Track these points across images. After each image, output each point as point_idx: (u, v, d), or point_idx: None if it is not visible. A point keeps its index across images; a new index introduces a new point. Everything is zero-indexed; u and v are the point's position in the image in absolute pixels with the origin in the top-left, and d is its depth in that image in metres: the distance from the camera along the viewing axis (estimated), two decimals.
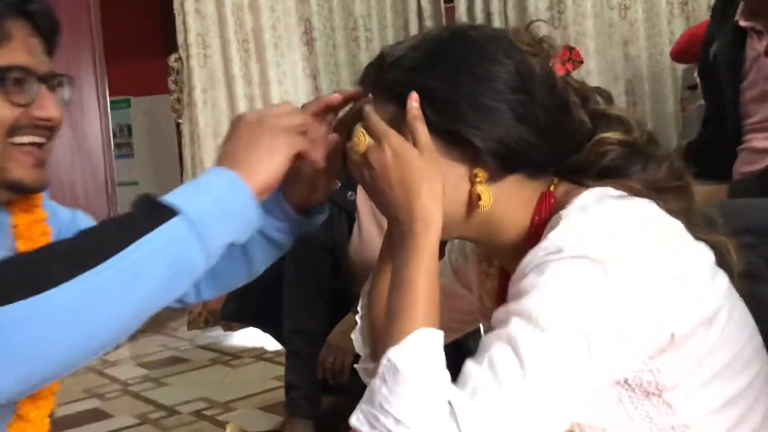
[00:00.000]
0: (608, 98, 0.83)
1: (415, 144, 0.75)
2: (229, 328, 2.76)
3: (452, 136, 0.75)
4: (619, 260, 0.66)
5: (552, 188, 0.79)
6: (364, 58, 3.00)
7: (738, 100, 1.41)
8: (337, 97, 0.87)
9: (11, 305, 0.63)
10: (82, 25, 3.47)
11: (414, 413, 0.64)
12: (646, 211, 0.72)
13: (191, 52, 2.95)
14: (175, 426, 2.00)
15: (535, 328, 0.65)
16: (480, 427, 0.63)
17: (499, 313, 0.69)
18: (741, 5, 1.40)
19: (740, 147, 1.41)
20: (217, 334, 2.97)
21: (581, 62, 0.82)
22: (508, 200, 0.78)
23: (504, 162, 0.76)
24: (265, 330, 2.06)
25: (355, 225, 1.84)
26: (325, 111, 0.86)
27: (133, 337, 2.81)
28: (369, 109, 0.78)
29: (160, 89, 4.49)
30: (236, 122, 0.80)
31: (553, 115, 0.77)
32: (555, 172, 0.80)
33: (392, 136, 0.75)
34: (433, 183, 0.74)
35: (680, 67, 2.75)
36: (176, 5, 2.98)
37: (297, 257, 1.72)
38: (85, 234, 0.70)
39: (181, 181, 3.17)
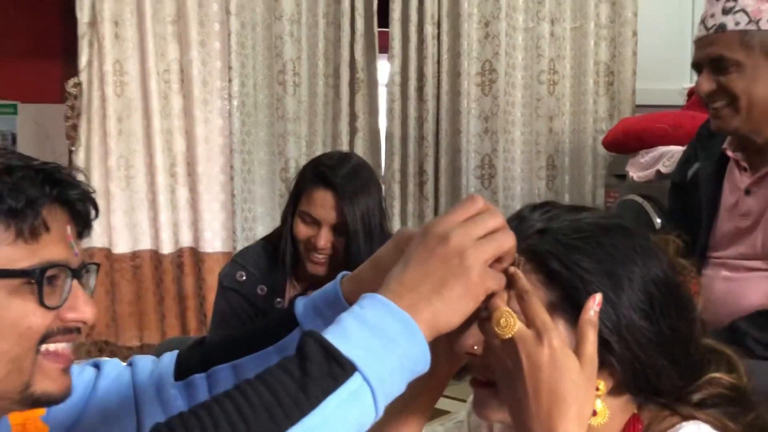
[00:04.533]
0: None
1: (578, 351, 0.65)
2: None
3: None
4: None
5: (637, 410, 0.73)
6: (290, 104, 2.86)
7: (710, 231, 1.41)
8: None
9: None
10: None
11: None
12: None
13: (106, 78, 2.70)
14: None
15: None
16: None
17: None
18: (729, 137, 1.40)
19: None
20: None
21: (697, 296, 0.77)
22: (608, 420, 0.71)
23: (631, 379, 0.69)
24: None
25: None
26: None
27: None
28: (527, 288, 0.67)
29: (51, 97, 4.15)
30: (427, 241, 0.65)
31: (687, 344, 0.72)
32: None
33: (556, 334, 0.65)
34: (585, 405, 0.65)
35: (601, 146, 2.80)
36: (82, 27, 2.72)
37: None
38: (256, 392, 0.59)
39: None
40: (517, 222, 0.74)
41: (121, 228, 2.80)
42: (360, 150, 2.86)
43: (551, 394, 0.64)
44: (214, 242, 2.82)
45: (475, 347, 0.72)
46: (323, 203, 1.63)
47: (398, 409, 0.84)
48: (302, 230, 1.66)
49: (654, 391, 0.71)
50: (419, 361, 0.64)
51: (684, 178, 1.52)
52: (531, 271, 0.70)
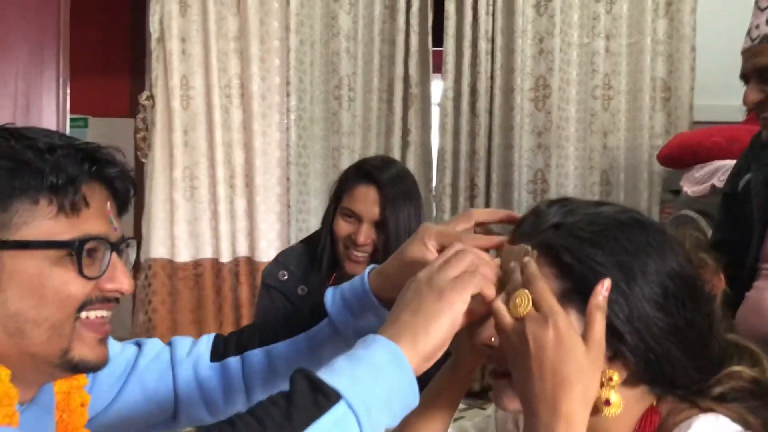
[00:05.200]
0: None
1: (585, 335, 0.68)
2: None
3: None
4: None
5: (655, 403, 0.74)
6: (345, 118, 2.93)
7: (762, 242, 1.39)
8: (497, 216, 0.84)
9: None
10: (49, 37, 3.31)
11: None
12: None
13: (173, 93, 2.82)
14: None
15: None
16: None
17: None
18: None
19: (749, 292, 1.38)
20: None
21: (722, 289, 0.78)
22: (623, 410, 0.72)
23: (645, 371, 0.70)
24: None
25: None
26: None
27: None
28: (536, 273, 0.71)
29: (120, 112, 4.34)
30: (409, 283, 0.73)
31: (704, 337, 0.73)
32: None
33: (561, 317, 0.68)
34: (589, 386, 0.67)
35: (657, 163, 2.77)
36: (153, 43, 2.84)
37: None
38: (244, 422, 0.62)
39: (136, 219, 3.03)
40: (533, 217, 0.76)
41: (185, 237, 2.89)
42: (412, 164, 2.90)
43: (555, 374, 0.66)
44: (269, 252, 2.89)
45: (492, 339, 0.75)
46: (365, 198, 1.64)
47: (425, 405, 0.87)
48: (343, 227, 1.67)
49: (670, 382, 0.72)
50: (407, 393, 0.67)
51: (735, 188, 1.51)
52: (544, 264, 0.72)
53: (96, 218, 0.77)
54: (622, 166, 2.92)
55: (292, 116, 2.91)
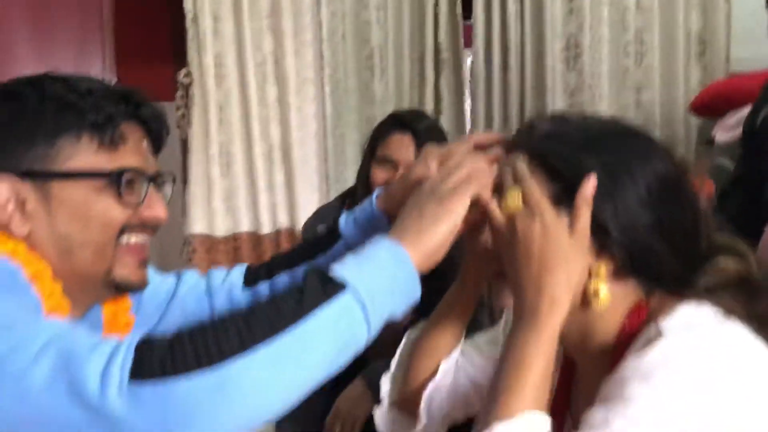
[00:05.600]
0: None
1: (571, 224, 0.73)
2: None
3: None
4: (728, 385, 0.66)
5: (644, 297, 0.78)
6: (378, 88, 2.98)
7: None
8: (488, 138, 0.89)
9: (185, 376, 0.63)
10: (93, 28, 3.45)
11: None
12: (751, 341, 0.72)
13: (208, 71, 2.91)
14: None
15: None
16: None
17: (596, 417, 0.67)
18: None
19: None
20: None
21: (709, 197, 0.83)
22: (613, 304, 0.76)
23: (631, 263, 0.75)
24: None
25: None
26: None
27: None
28: (526, 174, 0.77)
29: (165, 96, 4.46)
30: (416, 196, 0.81)
31: (689, 233, 0.77)
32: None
33: (548, 211, 0.74)
34: (572, 270, 0.73)
35: (693, 117, 2.74)
36: (188, 22, 2.93)
37: None
38: (261, 307, 0.71)
39: (183, 197, 3.14)
40: (527, 129, 0.81)
41: (222, 212, 2.99)
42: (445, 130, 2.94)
43: (541, 260, 0.72)
44: None
45: (488, 241, 0.80)
46: (400, 144, 1.68)
47: (437, 320, 0.93)
48: (379, 175, 1.70)
49: (656, 275, 0.76)
50: (409, 284, 0.74)
51: (754, 124, 1.51)
52: (536, 171, 0.78)
53: (133, 153, 0.87)
54: (657, 122, 2.89)
55: (327, 89, 2.97)
